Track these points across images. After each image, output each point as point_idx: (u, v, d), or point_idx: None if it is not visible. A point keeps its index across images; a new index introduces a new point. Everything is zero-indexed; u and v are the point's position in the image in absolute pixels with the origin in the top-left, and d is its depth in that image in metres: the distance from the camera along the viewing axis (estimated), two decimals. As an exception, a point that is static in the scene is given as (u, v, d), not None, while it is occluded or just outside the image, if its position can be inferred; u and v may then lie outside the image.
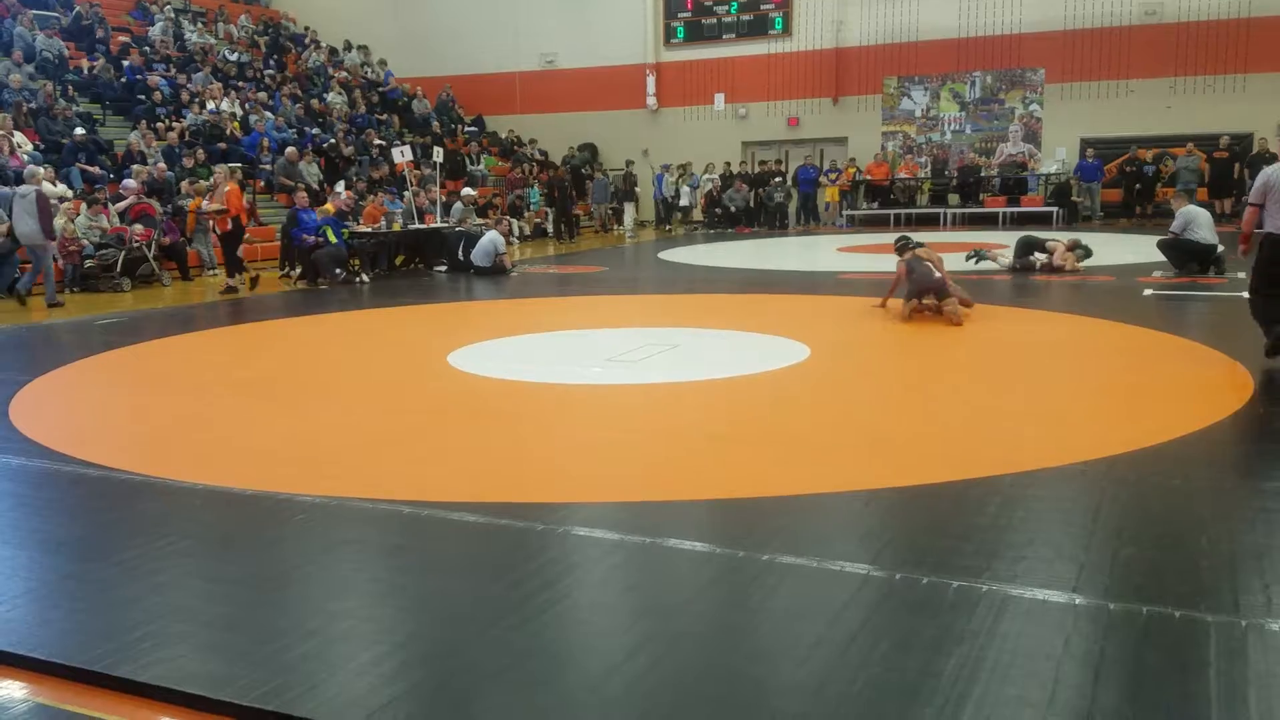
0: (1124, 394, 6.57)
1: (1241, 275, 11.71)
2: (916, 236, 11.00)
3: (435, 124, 25.96)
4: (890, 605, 3.34)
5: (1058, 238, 13.43)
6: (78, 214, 13.77)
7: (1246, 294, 7.60)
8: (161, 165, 16.51)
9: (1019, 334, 9.19)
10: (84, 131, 16.59)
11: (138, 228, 14.10)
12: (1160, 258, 12.61)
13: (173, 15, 23.66)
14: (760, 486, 4.73)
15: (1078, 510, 4.32)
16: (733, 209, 24.55)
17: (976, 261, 13.48)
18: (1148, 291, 10.98)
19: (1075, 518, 4.23)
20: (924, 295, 9.73)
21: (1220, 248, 12.16)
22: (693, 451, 5.42)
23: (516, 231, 21.76)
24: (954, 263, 13.90)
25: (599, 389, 7.20)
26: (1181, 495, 4.44)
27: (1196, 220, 12.04)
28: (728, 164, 25.27)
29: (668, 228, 24.79)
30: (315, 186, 18.23)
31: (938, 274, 9.67)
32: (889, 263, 14.62)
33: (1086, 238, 14.60)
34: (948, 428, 5.78)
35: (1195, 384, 6.77)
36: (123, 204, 14.66)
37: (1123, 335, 8.67)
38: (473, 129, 27.25)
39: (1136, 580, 3.50)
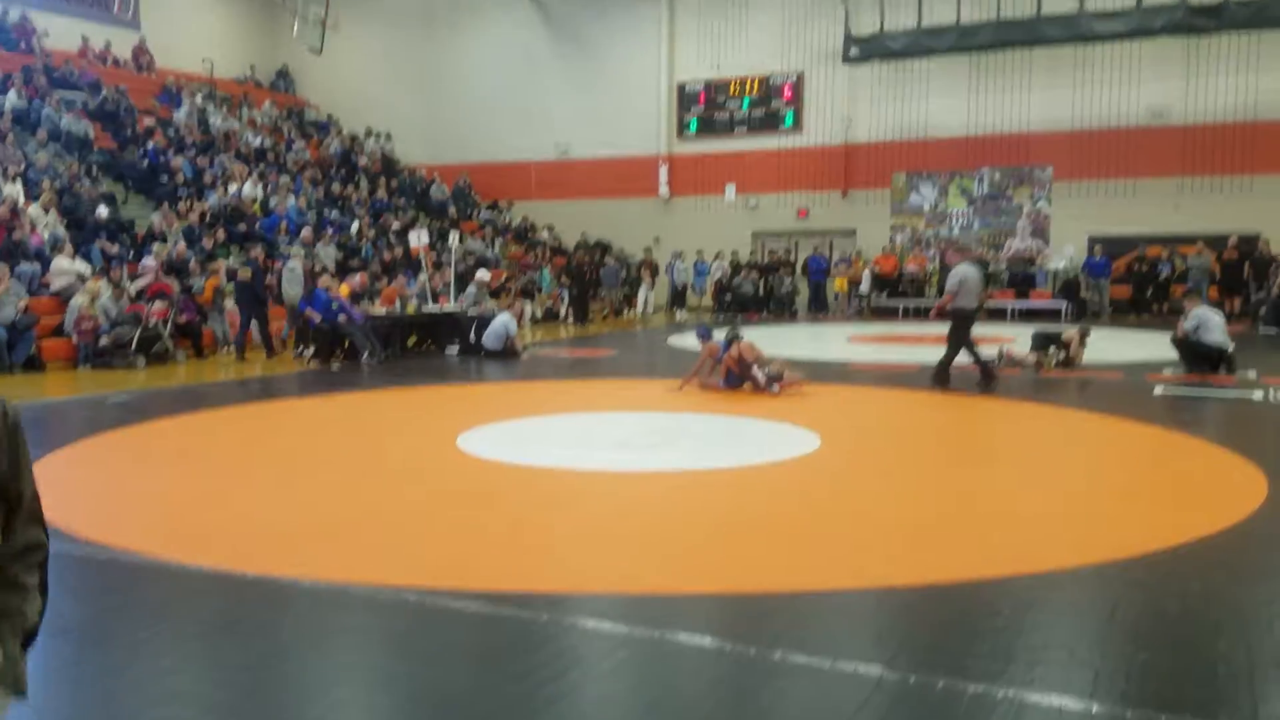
0: (1138, 493, 6.53)
1: (1253, 374, 11.73)
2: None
3: (452, 209, 26.40)
4: (904, 710, 3.28)
5: (1069, 330, 13.44)
6: (99, 293, 13.92)
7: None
8: (181, 245, 16.77)
9: (1032, 429, 9.17)
10: (108, 213, 16.90)
11: (157, 304, 14.27)
12: (1171, 355, 12.61)
13: (199, 100, 24.28)
14: (772, 581, 4.68)
15: (1093, 613, 4.26)
16: (745, 293, 24.76)
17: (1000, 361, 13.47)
18: (1159, 389, 10.97)
19: (1091, 621, 4.17)
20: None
21: (1232, 346, 12.17)
22: (703, 542, 5.38)
23: (529, 314, 21.93)
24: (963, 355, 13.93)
25: (607, 476, 7.18)
26: (1199, 600, 4.37)
27: (1209, 323, 12.08)
28: (735, 252, 25.57)
29: (679, 312, 24.99)
30: (332, 268, 18.45)
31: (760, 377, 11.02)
32: (901, 353, 14.74)
33: (1095, 333, 14.67)
34: (962, 524, 5.74)
35: (1209, 485, 6.72)
36: (140, 282, 14.86)
37: (1135, 433, 8.64)
38: (488, 214, 27.68)
39: (1154, 686, 3.43)
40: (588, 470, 7.32)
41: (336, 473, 7.37)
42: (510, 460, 7.64)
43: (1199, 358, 12.05)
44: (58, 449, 7.94)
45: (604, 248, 27.30)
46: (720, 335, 11.81)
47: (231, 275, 16.67)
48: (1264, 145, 20.83)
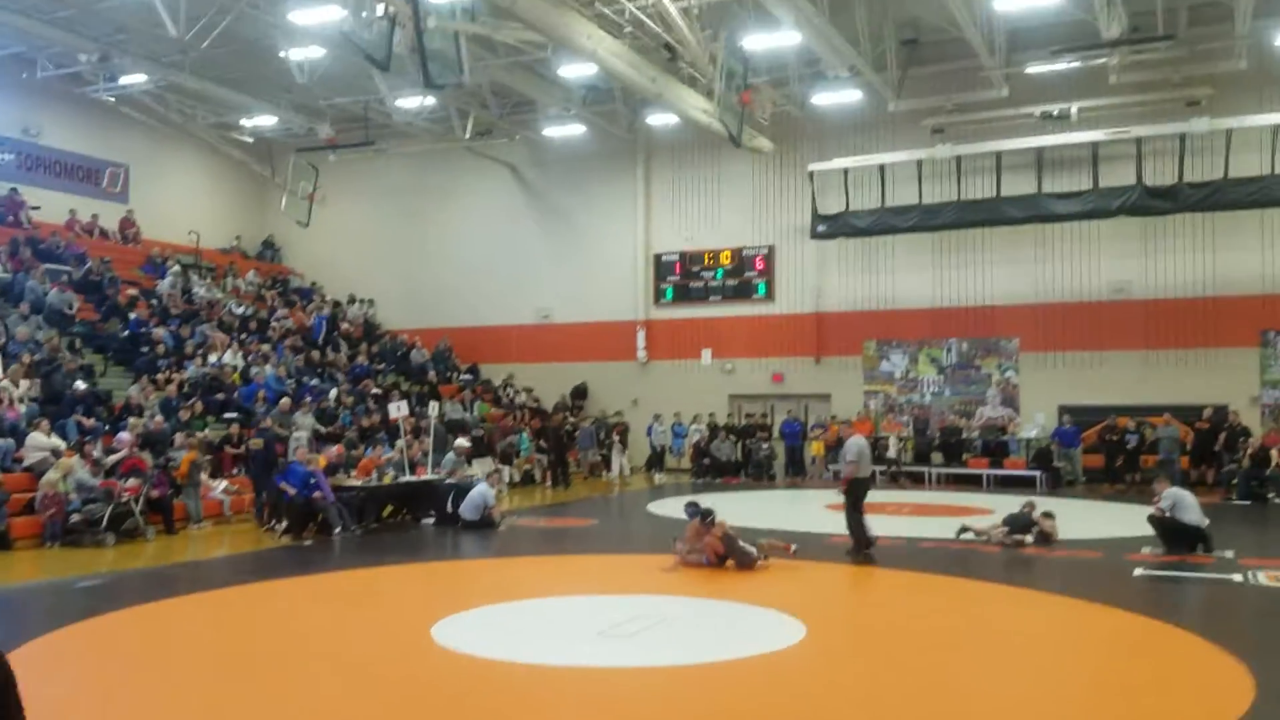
0: (1123, 695, 6.46)
1: (1229, 554, 11.78)
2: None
3: (432, 373, 26.58)
4: None
5: (1037, 513, 13.35)
6: (72, 469, 13.77)
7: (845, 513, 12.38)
8: (159, 418, 16.73)
9: (1016, 617, 9.10)
10: (85, 386, 16.92)
11: (131, 481, 14.10)
12: (1148, 530, 12.64)
13: (180, 270, 24.63)
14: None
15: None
16: (723, 459, 24.83)
17: (961, 534, 13.49)
18: (1138, 571, 10.96)
19: None
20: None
21: (1207, 521, 12.25)
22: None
23: (507, 479, 21.84)
24: (943, 528, 13.94)
25: (589, 674, 7.04)
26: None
27: (1183, 502, 12.19)
28: (712, 415, 25.79)
29: (658, 475, 24.99)
30: (309, 435, 18.42)
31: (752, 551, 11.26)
32: (882, 525, 14.69)
33: (1070, 505, 14.76)
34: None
35: (1194, 686, 6.66)
36: (114, 457, 14.74)
37: (1118, 623, 8.59)
38: (468, 377, 27.90)
39: None
40: (570, 666, 7.18)
41: (305, 675, 7.17)
42: (487, 655, 7.47)
43: (1176, 537, 12.11)
44: (20, 645, 7.68)
45: (580, 393, 27.50)
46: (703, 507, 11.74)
47: (210, 447, 16.62)
48: (1224, 320, 21.47)
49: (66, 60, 21.60)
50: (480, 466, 21.33)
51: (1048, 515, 13.21)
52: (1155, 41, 18.79)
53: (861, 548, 12.15)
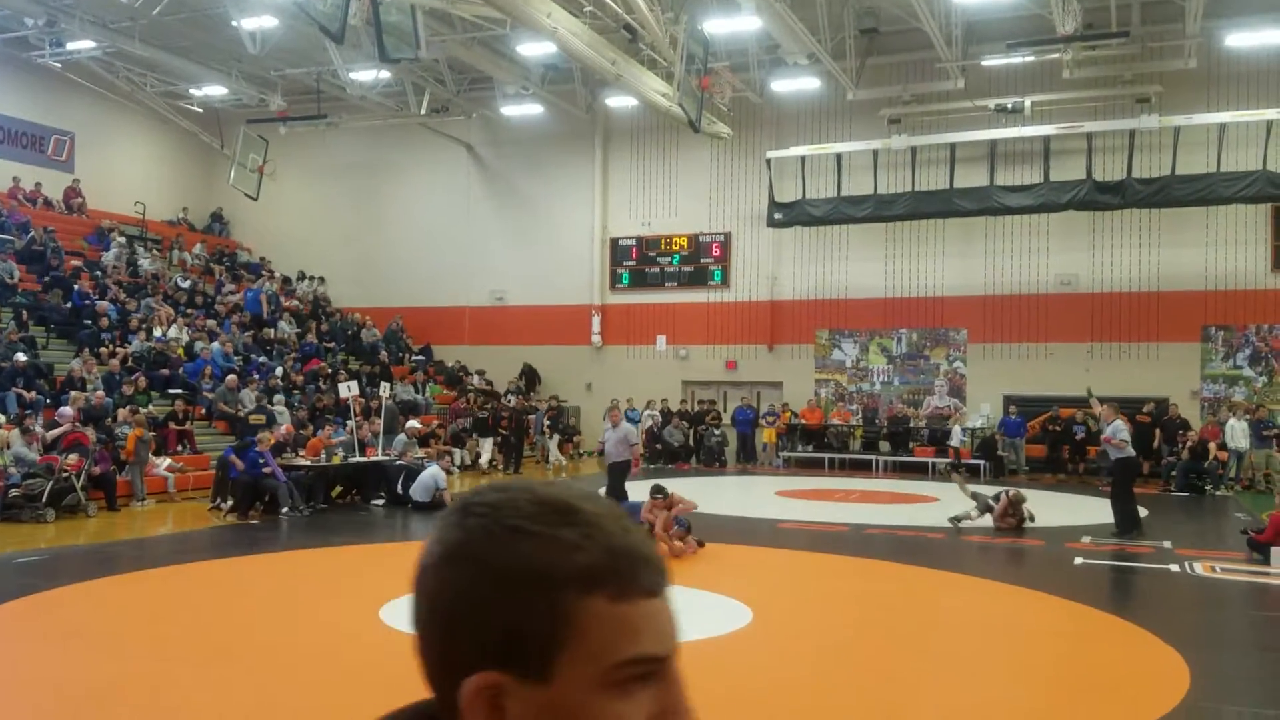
0: (1061, 681, 6.60)
1: (1167, 544, 12.07)
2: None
3: (383, 353, 26.30)
4: None
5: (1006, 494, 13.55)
6: (10, 442, 13.45)
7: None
8: (100, 393, 16.38)
9: (960, 606, 9.24)
10: (25, 358, 16.51)
11: (71, 457, 13.79)
12: (1089, 520, 12.91)
13: (125, 241, 24.10)
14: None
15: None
16: (675, 445, 24.89)
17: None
18: (1079, 560, 11.20)
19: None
20: None
21: (1145, 514, 12.57)
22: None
23: (458, 461, 21.70)
24: (890, 515, 14.10)
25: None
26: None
27: (1121, 433, 12.71)
28: (664, 401, 25.83)
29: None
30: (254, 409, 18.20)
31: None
32: (829, 512, 14.87)
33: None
34: None
35: (1131, 672, 6.83)
36: (56, 432, 14.41)
37: (1058, 611, 8.75)
38: (420, 358, 27.65)
39: None
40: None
41: (250, 655, 7.08)
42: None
43: (1126, 476, 12.52)
44: (-46, 624, 7.52)
45: (531, 378, 27.38)
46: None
47: (155, 424, 16.31)
48: (1167, 314, 21.94)
49: (12, 24, 20.98)
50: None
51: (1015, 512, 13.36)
52: (1109, 38, 19.05)
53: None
